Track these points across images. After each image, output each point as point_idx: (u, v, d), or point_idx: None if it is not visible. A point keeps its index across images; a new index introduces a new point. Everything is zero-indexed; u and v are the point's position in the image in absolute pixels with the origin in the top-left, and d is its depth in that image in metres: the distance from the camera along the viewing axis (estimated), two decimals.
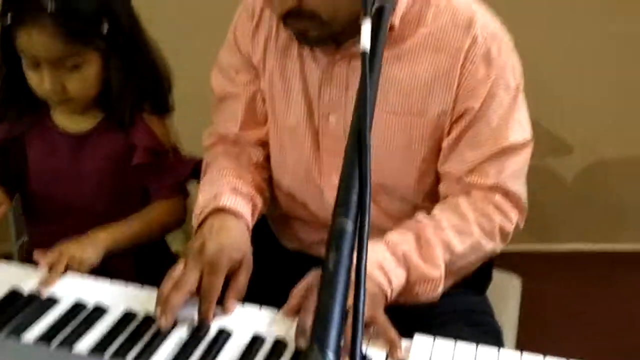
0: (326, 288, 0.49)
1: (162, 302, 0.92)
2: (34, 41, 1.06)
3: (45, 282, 1.01)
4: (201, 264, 0.95)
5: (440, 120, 1.05)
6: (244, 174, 1.16)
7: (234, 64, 1.19)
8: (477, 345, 0.89)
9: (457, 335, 0.92)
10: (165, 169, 1.22)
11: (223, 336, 0.90)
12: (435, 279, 0.98)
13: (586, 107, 2.22)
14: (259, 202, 1.13)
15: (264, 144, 1.21)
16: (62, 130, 1.22)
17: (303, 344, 0.88)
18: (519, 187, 1.07)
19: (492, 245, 1.05)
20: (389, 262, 0.96)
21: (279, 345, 0.89)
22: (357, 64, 1.05)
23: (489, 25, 1.05)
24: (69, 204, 1.23)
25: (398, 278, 0.96)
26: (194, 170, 1.23)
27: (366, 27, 0.67)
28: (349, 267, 0.52)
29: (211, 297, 0.93)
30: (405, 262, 0.98)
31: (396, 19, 1.03)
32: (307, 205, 1.19)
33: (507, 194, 1.06)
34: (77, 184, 1.22)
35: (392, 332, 0.89)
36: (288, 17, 0.99)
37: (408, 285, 0.98)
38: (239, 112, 1.18)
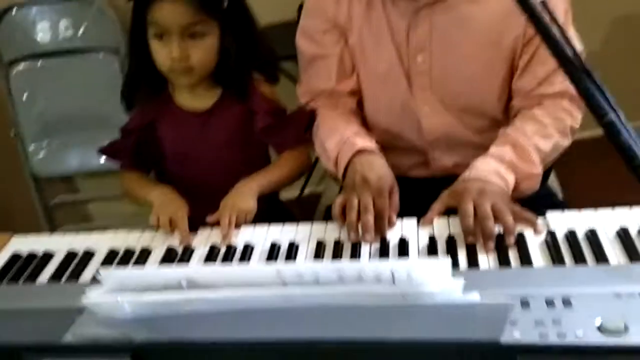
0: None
1: (358, 227, 1.13)
2: (168, 10, 1.23)
3: (226, 236, 1.19)
4: (370, 191, 1.17)
5: (514, 44, 1.29)
6: (349, 119, 1.37)
7: (319, 27, 1.37)
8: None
9: None
10: (285, 125, 1.39)
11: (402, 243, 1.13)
12: (535, 174, 1.23)
13: None
14: (374, 138, 1.34)
15: (355, 93, 1.41)
16: (187, 109, 1.38)
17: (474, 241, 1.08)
18: None
19: (567, 143, 1.31)
20: (501, 169, 1.19)
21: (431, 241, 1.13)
22: (438, 8, 1.28)
23: None
24: (203, 179, 1.39)
25: (510, 180, 1.20)
26: (311, 118, 1.42)
27: None
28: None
29: (385, 214, 1.15)
30: (512, 166, 1.21)
31: None
32: (404, 135, 1.42)
33: (572, 98, 1.29)
34: (208, 158, 1.39)
35: (529, 213, 1.13)
36: None
37: (516, 185, 1.22)
38: (332, 68, 1.38)
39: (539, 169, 1.23)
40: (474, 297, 0.70)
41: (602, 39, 2.79)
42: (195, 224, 1.24)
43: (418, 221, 1.18)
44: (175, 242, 1.22)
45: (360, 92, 1.41)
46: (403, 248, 1.12)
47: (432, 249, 1.11)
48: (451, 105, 1.36)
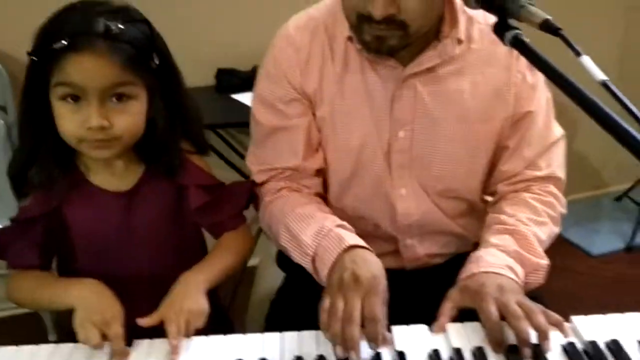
0: None
1: (343, 340, 0.92)
2: (87, 68, 0.97)
3: (177, 349, 0.95)
4: (361, 292, 0.96)
5: (502, 125, 1.18)
6: (322, 207, 1.19)
7: (282, 95, 1.19)
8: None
9: None
10: (224, 202, 1.18)
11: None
12: (543, 266, 1.11)
13: None
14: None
15: (320, 173, 1.23)
16: (105, 189, 1.11)
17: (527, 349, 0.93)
18: (564, 175, 1.25)
19: (558, 230, 1.21)
20: (510, 262, 1.07)
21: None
22: (424, 80, 1.15)
23: None
24: (123, 271, 1.13)
25: (521, 274, 1.07)
26: (252, 193, 1.22)
27: (587, 60, 0.76)
28: None
29: (379, 319, 0.94)
30: (519, 258, 1.08)
31: (462, 34, 1.13)
32: (374, 219, 1.24)
33: (558, 182, 1.23)
34: (132, 245, 1.13)
35: (555, 313, 0.99)
36: (376, 23, 1.02)
37: (525, 278, 1.08)
38: (298, 143, 1.19)
39: (545, 260, 1.12)
40: None
41: None
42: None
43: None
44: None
45: (325, 170, 1.24)
46: None
47: None
48: (430, 187, 1.22)
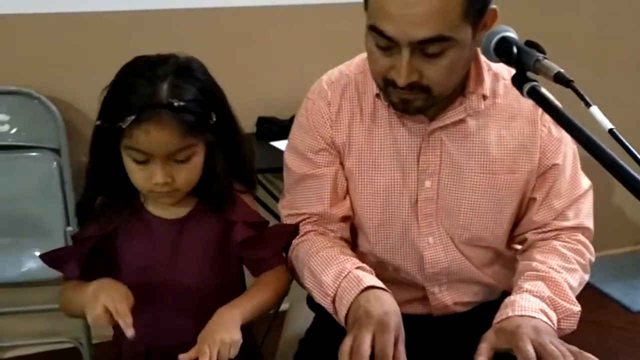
0: None
1: None
2: (153, 138, 1.06)
3: None
4: (371, 327, 0.99)
5: (528, 177, 1.22)
6: (345, 250, 1.22)
7: (312, 145, 1.25)
8: None
9: None
10: (266, 240, 1.23)
11: None
12: (576, 312, 1.12)
13: None
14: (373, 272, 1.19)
15: (347, 219, 1.28)
16: (160, 217, 1.20)
17: None
18: (592, 225, 1.27)
19: (587, 277, 1.23)
20: (544, 307, 1.08)
21: None
22: (450, 133, 1.20)
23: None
24: (167, 299, 1.19)
25: (554, 319, 1.08)
26: (293, 236, 1.26)
27: (596, 111, 0.81)
28: None
29: (388, 354, 0.97)
30: (552, 304, 1.10)
31: (487, 90, 1.18)
32: (402, 267, 1.28)
33: (585, 231, 1.25)
34: (177, 272, 1.19)
35: (592, 357, 1.00)
36: (401, 88, 1.08)
37: (558, 323, 1.10)
38: (325, 190, 1.25)
39: (578, 306, 1.13)
40: None
41: None
42: (157, 355, 1.05)
43: None
44: None
45: (352, 218, 1.28)
46: None
47: None
48: (457, 236, 1.25)
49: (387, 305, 1.06)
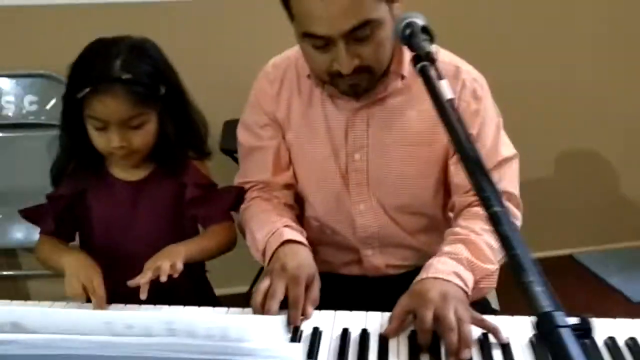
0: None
1: (262, 311, 1.11)
2: (108, 107, 1.24)
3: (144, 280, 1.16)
4: (285, 279, 1.15)
5: (446, 147, 1.32)
6: (282, 212, 1.37)
7: (258, 121, 1.41)
8: None
9: None
10: (213, 199, 1.40)
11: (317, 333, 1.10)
12: (493, 271, 1.21)
13: None
14: (304, 232, 1.34)
15: (290, 187, 1.42)
16: (122, 179, 1.38)
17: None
18: (517, 191, 1.35)
19: None
20: (460, 269, 1.17)
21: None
22: (375, 110, 1.32)
23: (471, 72, 1.35)
24: (129, 249, 1.37)
25: (470, 280, 1.17)
26: (238, 197, 1.42)
27: (444, 83, 0.92)
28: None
29: (298, 304, 1.13)
30: (470, 265, 1.19)
31: (405, 71, 1.30)
32: (338, 231, 1.41)
33: (510, 197, 1.33)
34: (139, 228, 1.38)
35: (491, 321, 1.09)
36: (347, 76, 1.20)
37: (475, 284, 1.19)
38: (268, 160, 1.40)
39: (495, 266, 1.22)
40: None
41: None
42: (118, 294, 1.21)
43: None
44: None
45: (296, 186, 1.43)
46: (314, 339, 1.08)
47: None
48: (387, 204, 1.37)
49: (301, 259, 1.21)
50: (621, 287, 2.70)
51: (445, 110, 0.92)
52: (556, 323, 0.55)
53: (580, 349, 0.52)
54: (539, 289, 0.60)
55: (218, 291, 1.56)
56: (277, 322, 0.70)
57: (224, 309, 1.19)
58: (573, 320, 0.57)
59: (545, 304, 0.58)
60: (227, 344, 0.66)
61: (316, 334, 1.10)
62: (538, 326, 0.56)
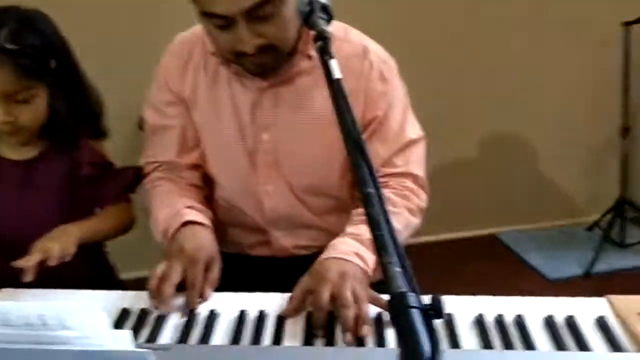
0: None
1: (156, 295, 1.09)
2: None
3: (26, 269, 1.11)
4: (183, 261, 1.14)
5: None
6: (186, 193, 1.35)
7: (164, 99, 1.37)
8: None
9: None
10: (109, 178, 1.37)
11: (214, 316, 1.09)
12: None
13: None
14: (210, 213, 1.32)
15: (197, 167, 1.40)
16: (10, 158, 1.32)
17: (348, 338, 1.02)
18: (422, 173, 1.36)
19: (417, 221, 1.32)
20: (360, 249, 1.17)
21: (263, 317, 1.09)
22: (283, 90, 1.30)
23: (379, 53, 1.35)
24: (20, 232, 1.29)
25: (371, 260, 1.17)
26: (135, 177, 1.39)
27: (333, 63, 0.91)
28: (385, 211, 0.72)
29: (196, 287, 1.12)
30: (370, 245, 1.18)
31: (312, 51, 1.28)
32: (246, 212, 1.39)
33: (415, 179, 1.34)
34: (28, 210, 1.32)
35: (383, 300, 1.10)
36: (251, 55, 1.18)
37: (377, 264, 1.17)
38: (174, 141, 1.37)
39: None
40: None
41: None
42: (10, 280, 1.16)
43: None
44: None
45: (204, 166, 1.40)
46: (210, 321, 1.08)
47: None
48: (295, 185, 1.36)
49: (200, 240, 1.20)
50: (539, 266, 2.79)
51: (332, 89, 0.91)
52: (408, 303, 0.56)
53: (425, 329, 0.53)
54: (397, 270, 0.60)
55: (125, 275, 1.53)
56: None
57: (124, 292, 1.17)
58: (427, 301, 0.57)
59: (401, 284, 0.58)
60: (46, 332, 0.64)
61: (212, 316, 1.09)
62: (391, 306, 0.56)
